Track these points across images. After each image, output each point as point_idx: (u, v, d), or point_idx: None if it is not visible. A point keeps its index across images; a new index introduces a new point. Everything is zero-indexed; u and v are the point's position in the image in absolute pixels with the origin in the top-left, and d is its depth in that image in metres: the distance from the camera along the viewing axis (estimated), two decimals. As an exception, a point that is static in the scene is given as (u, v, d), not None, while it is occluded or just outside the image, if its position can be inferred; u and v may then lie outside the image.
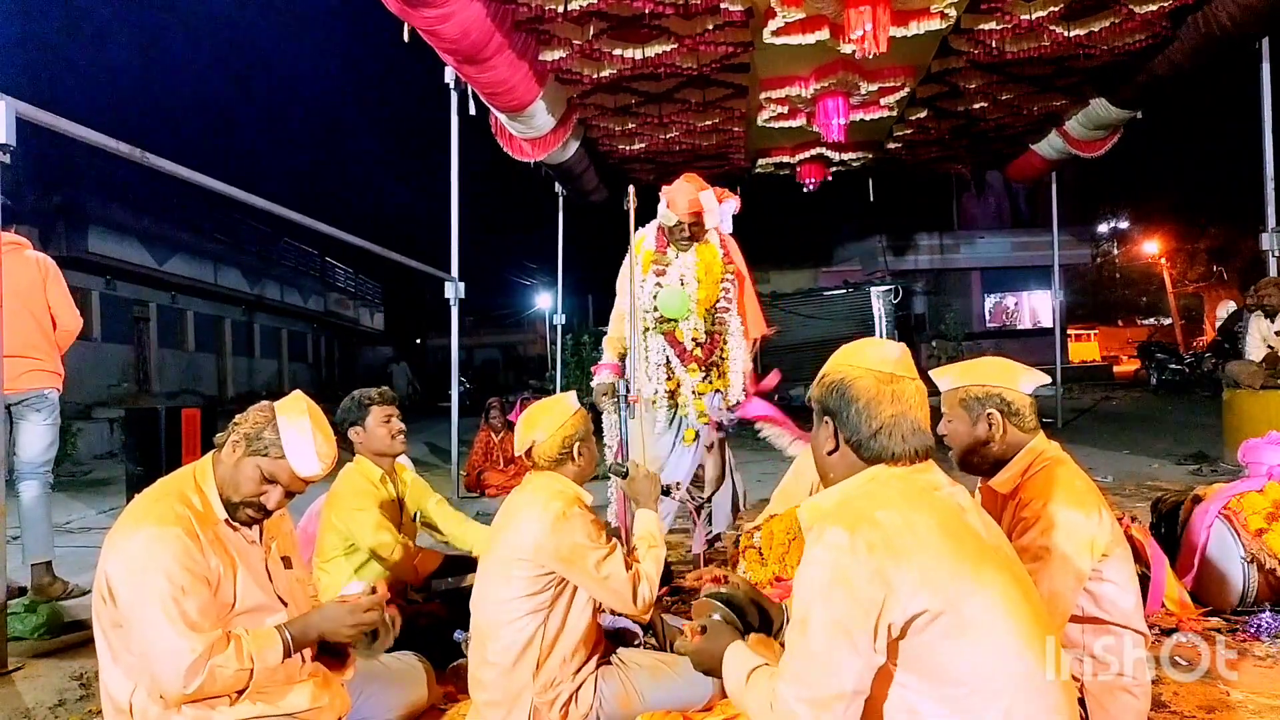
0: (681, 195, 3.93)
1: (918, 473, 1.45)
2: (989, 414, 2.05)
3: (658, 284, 4.04)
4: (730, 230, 4.10)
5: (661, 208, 4.03)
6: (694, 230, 3.98)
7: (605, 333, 4.36)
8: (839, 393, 1.49)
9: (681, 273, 4.01)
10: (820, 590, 1.31)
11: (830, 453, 1.51)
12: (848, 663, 1.28)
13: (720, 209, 3.93)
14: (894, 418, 1.45)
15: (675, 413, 4.03)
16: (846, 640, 1.28)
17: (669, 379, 4.04)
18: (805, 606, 1.34)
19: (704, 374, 4.04)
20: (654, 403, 4.02)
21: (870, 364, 1.50)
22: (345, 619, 1.98)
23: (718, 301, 4.09)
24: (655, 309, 4.02)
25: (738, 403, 4.14)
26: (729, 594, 1.76)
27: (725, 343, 4.12)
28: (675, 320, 3.99)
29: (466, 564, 3.16)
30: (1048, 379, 2.14)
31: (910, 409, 1.46)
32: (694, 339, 4.04)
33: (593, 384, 4.29)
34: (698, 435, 4.06)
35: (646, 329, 4.07)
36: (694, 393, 4.01)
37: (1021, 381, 2.07)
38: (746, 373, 4.19)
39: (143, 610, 1.76)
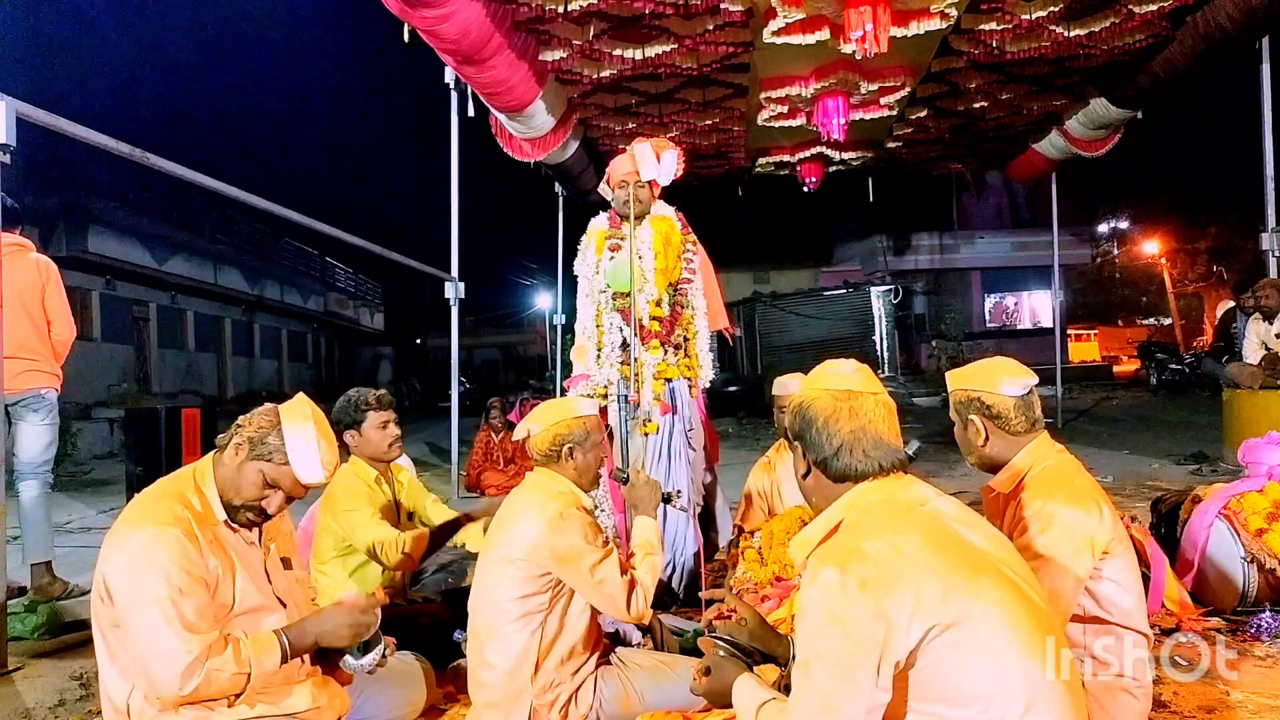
0: (618, 162, 3.73)
1: (899, 489, 1.45)
2: (971, 419, 2.07)
3: (610, 258, 3.76)
4: (668, 183, 3.74)
5: (602, 185, 3.83)
6: (640, 195, 3.67)
7: None
8: (801, 416, 1.53)
9: (638, 246, 3.65)
10: (817, 632, 1.32)
11: (804, 476, 1.54)
12: (851, 703, 1.28)
13: (659, 163, 3.61)
14: (853, 433, 1.46)
15: (633, 408, 3.62)
16: (848, 681, 1.28)
17: (624, 363, 3.67)
18: (805, 649, 1.34)
19: (665, 353, 3.70)
20: (604, 394, 3.66)
21: (827, 384, 1.54)
22: (342, 620, 1.97)
23: (680, 274, 3.76)
24: (607, 285, 3.75)
25: (707, 388, 3.88)
26: (733, 634, 1.77)
27: (691, 320, 3.80)
28: (628, 294, 3.61)
29: (451, 528, 3.10)
30: (1034, 379, 2.10)
31: (870, 423, 1.47)
32: (652, 315, 3.69)
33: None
34: (662, 424, 3.66)
35: (600, 310, 3.80)
36: (655, 375, 3.67)
37: (1002, 385, 2.05)
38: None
39: (140, 611, 1.76)
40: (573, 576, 2.17)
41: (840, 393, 1.50)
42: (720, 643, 1.72)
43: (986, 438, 2.05)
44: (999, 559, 1.37)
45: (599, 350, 3.79)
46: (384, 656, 2.07)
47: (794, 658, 1.74)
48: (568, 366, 4.07)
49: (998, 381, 2.06)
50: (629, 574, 2.23)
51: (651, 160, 3.61)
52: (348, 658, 2.01)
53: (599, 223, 3.95)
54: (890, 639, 1.26)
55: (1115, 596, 1.92)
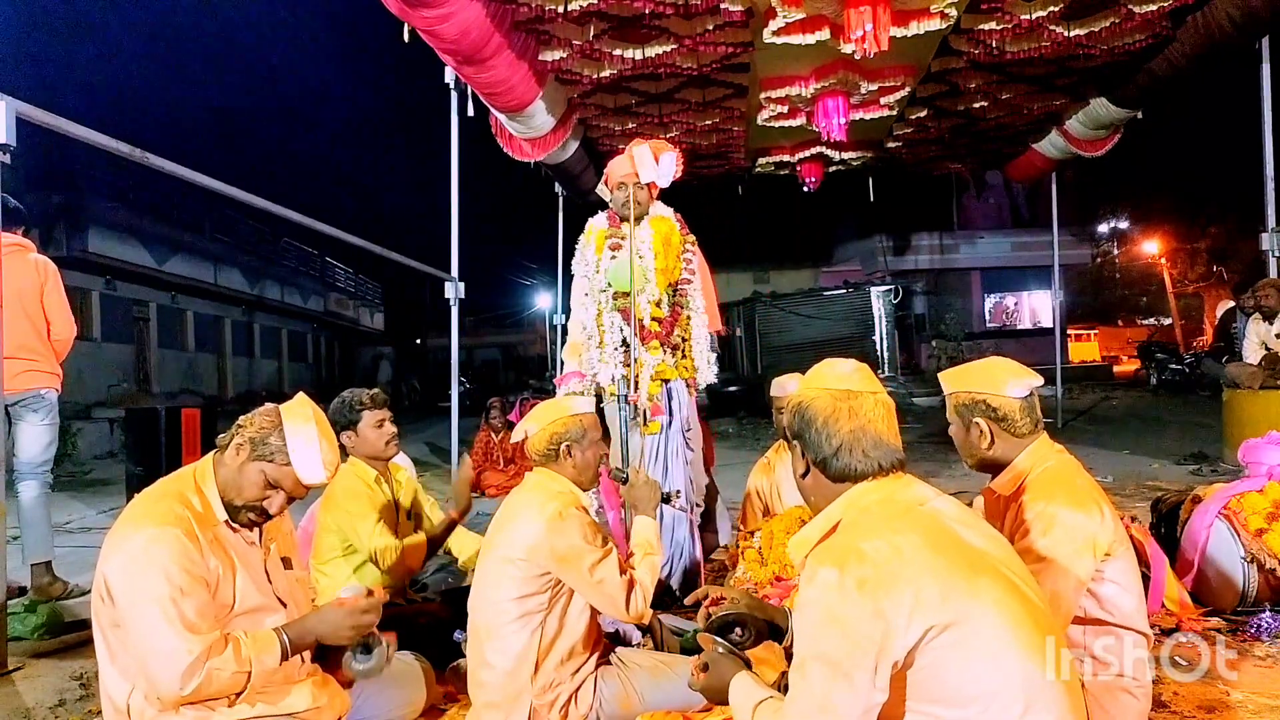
0: (616, 163, 3.74)
1: (898, 489, 1.44)
2: (976, 422, 2.04)
3: (612, 258, 3.72)
4: (667, 185, 3.73)
5: (600, 186, 3.84)
6: (639, 196, 3.66)
7: None
8: (801, 415, 1.52)
9: (638, 246, 3.65)
10: (815, 632, 1.31)
11: (803, 476, 1.54)
12: (848, 703, 1.28)
13: (658, 165, 3.60)
14: (852, 433, 1.46)
15: (633, 409, 3.63)
16: (845, 681, 1.27)
17: (626, 364, 3.67)
18: (803, 648, 1.34)
19: (665, 354, 3.69)
20: (612, 392, 3.69)
21: (826, 383, 1.53)
22: (343, 621, 1.97)
23: (679, 275, 3.77)
24: (608, 285, 3.72)
25: (706, 387, 3.90)
26: (732, 615, 1.76)
27: (689, 321, 3.80)
28: (629, 294, 3.59)
29: (446, 531, 3.12)
30: (1040, 380, 2.08)
31: (870, 423, 1.47)
32: (653, 316, 3.69)
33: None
34: (662, 424, 3.66)
35: (601, 309, 3.78)
36: (653, 376, 3.66)
37: (1008, 386, 2.03)
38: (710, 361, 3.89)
39: (140, 610, 1.76)
40: (572, 576, 2.17)
41: (840, 392, 1.50)
42: (718, 639, 1.73)
43: (991, 440, 2.03)
44: (998, 559, 1.37)
45: (600, 349, 3.78)
46: (387, 660, 2.06)
47: (793, 630, 1.75)
48: (564, 365, 4.06)
49: (1003, 383, 2.04)
50: (628, 574, 2.24)
51: (650, 162, 3.61)
52: (352, 662, 2.01)
53: (598, 221, 3.95)
54: (888, 639, 1.25)
55: (1117, 598, 1.92)
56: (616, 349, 3.74)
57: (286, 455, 1.93)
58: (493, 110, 6.35)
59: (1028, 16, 5.59)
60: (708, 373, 3.89)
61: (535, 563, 2.15)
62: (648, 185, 3.71)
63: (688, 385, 3.82)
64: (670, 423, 3.72)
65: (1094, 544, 1.87)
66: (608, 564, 2.18)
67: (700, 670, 1.65)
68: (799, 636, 1.36)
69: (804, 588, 1.36)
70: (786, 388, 3.61)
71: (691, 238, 3.88)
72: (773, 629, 1.83)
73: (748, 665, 1.65)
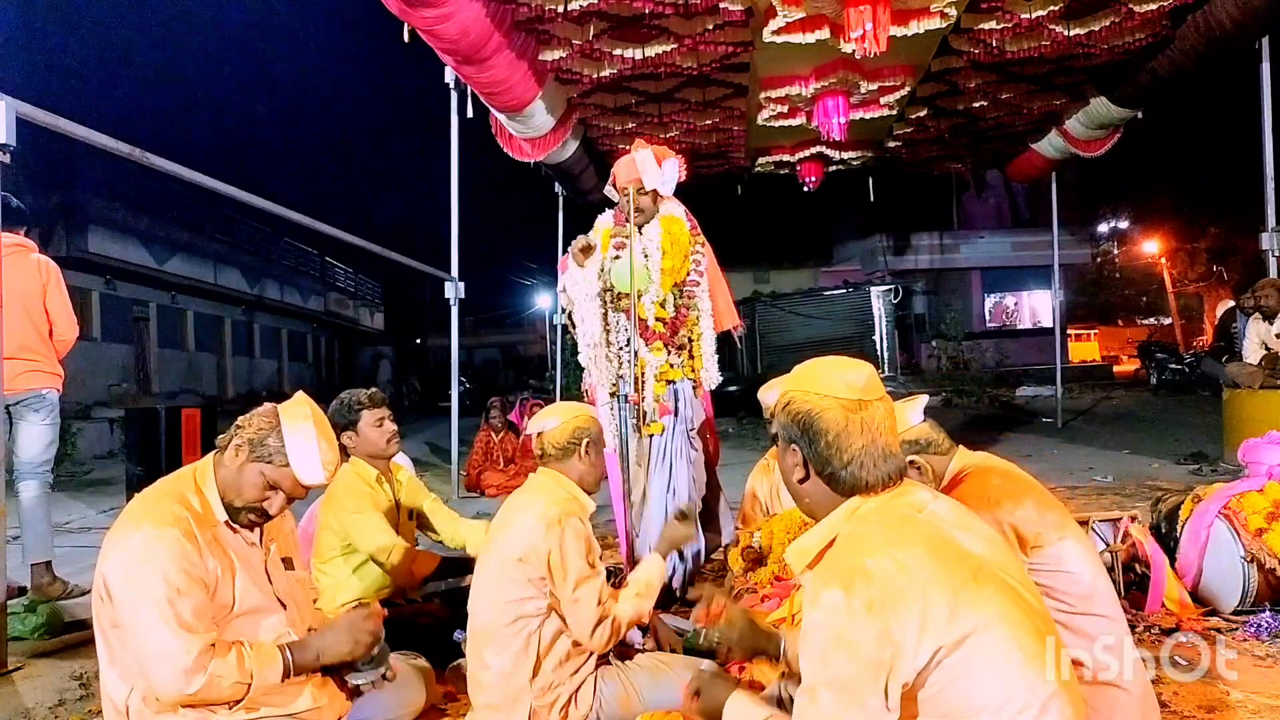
0: (622, 166, 3.70)
1: (896, 497, 1.42)
2: (912, 460, 2.08)
3: (615, 258, 3.66)
4: (672, 191, 3.74)
5: (608, 187, 3.82)
6: (641, 203, 3.63)
7: None
8: (806, 424, 1.45)
9: (644, 245, 3.63)
10: (823, 656, 1.28)
11: (801, 481, 1.48)
12: None
13: (661, 170, 3.59)
14: (864, 448, 1.41)
15: (633, 408, 3.61)
16: (856, 703, 1.26)
17: (634, 363, 3.65)
18: (811, 672, 1.31)
19: (669, 354, 3.68)
20: (613, 394, 3.67)
21: (837, 392, 1.45)
22: (344, 633, 1.98)
23: (687, 275, 3.74)
24: (610, 286, 3.67)
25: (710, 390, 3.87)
26: (723, 635, 1.74)
27: (696, 322, 3.77)
28: (629, 294, 3.54)
29: (464, 566, 3.13)
30: (926, 398, 2.18)
31: (879, 435, 1.43)
32: (657, 316, 3.68)
33: (571, 250, 3.71)
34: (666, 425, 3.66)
35: (606, 310, 3.74)
36: (656, 376, 3.64)
37: (909, 417, 2.11)
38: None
39: (138, 611, 1.76)
40: (555, 584, 2.16)
41: (851, 403, 1.44)
42: (704, 659, 1.71)
43: (931, 471, 2.08)
44: (996, 564, 1.36)
45: (606, 349, 3.77)
46: (384, 677, 2.06)
47: (785, 652, 1.73)
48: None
49: (904, 418, 2.10)
50: (606, 603, 2.21)
51: (652, 167, 3.59)
52: (352, 672, 2.01)
53: (605, 220, 3.93)
54: (897, 661, 1.24)
55: (1062, 584, 1.89)
56: (621, 349, 3.72)
57: (285, 456, 1.92)
58: (493, 110, 6.36)
59: (1028, 16, 5.59)
60: (712, 374, 3.86)
61: (533, 564, 2.15)
62: (651, 191, 3.69)
63: (694, 385, 3.79)
64: (675, 423, 3.71)
65: (1016, 534, 1.90)
66: (590, 586, 2.17)
67: (693, 696, 1.63)
68: (805, 661, 1.33)
69: (808, 610, 1.33)
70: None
71: (701, 238, 3.86)
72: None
73: (737, 683, 1.64)
